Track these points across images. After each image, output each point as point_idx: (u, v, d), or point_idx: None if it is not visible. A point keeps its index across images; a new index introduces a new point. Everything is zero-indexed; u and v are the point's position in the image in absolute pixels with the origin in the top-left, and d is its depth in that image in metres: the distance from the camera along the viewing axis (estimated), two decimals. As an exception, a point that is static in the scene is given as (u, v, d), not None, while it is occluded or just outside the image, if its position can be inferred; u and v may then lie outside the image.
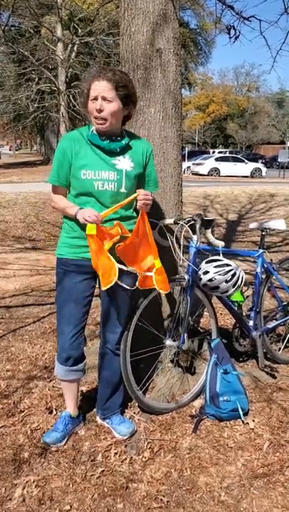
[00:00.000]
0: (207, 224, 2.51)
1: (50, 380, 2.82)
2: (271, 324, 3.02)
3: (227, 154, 28.86)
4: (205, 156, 28.44)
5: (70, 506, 1.86)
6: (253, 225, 2.99)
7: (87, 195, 2.04)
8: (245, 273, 5.07)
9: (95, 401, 2.46)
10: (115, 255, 2.03)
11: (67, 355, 2.20)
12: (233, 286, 2.42)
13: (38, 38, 16.59)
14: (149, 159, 2.17)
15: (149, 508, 1.86)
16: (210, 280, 2.38)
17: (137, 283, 2.14)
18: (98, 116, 1.97)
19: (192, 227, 2.45)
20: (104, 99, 1.96)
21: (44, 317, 3.95)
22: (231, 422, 2.42)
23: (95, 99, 1.97)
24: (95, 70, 2.03)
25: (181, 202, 2.74)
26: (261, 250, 2.88)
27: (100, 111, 1.96)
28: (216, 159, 26.12)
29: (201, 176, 24.91)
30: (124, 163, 2.07)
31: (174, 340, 2.53)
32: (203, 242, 2.52)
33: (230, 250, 2.85)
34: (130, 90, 2.03)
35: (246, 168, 25.85)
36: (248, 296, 2.97)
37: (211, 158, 26.38)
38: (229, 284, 2.39)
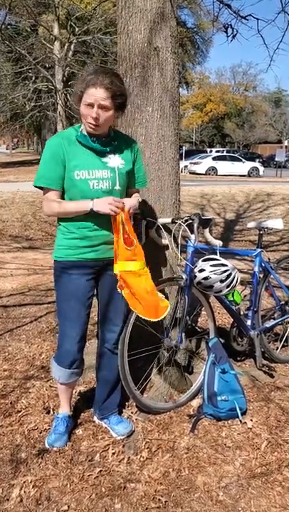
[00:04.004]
0: (205, 223, 2.51)
1: (48, 380, 2.81)
2: (269, 323, 3.02)
3: (224, 153, 28.83)
4: (202, 155, 28.40)
5: (68, 506, 1.86)
6: (251, 224, 2.99)
7: (82, 196, 2.01)
8: (243, 272, 5.10)
9: (92, 401, 2.45)
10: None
11: (74, 359, 2.18)
12: (228, 287, 2.41)
13: (35, 37, 16.54)
14: (136, 156, 2.18)
15: (147, 508, 1.85)
16: (205, 278, 2.37)
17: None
18: (92, 122, 1.95)
19: (190, 227, 2.45)
20: (100, 107, 1.92)
21: (41, 316, 3.94)
22: (229, 422, 2.42)
23: (91, 105, 1.92)
24: (92, 72, 1.93)
25: (179, 201, 2.73)
26: (259, 249, 2.88)
27: (96, 119, 1.93)
28: (214, 158, 26.08)
29: (198, 175, 24.90)
30: (115, 160, 2.07)
31: (171, 340, 2.52)
32: (201, 241, 2.52)
33: (228, 249, 2.85)
34: (125, 98, 2.01)
35: (243, 167, 25.83)
36: (245, 296, 2.97)
37: (209, 157, 26.34)
38: (224, 284, 2.39)
